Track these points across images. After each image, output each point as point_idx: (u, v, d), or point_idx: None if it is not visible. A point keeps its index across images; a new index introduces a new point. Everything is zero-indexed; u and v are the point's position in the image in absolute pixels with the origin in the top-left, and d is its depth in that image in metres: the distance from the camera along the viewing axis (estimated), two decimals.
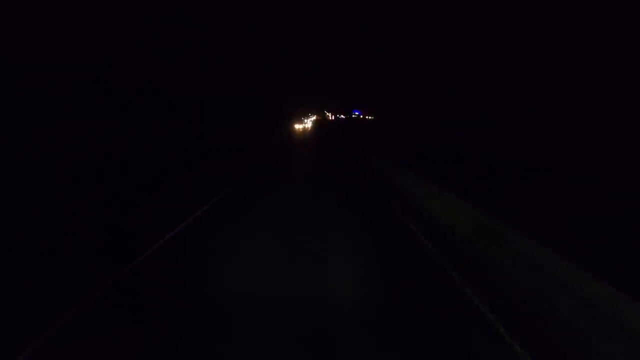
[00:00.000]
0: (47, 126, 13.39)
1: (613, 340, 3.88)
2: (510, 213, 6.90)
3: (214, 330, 4.10)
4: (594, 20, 14.43)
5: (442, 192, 9.80)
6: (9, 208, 8.11)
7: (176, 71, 24.85)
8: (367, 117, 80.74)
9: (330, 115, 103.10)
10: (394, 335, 4.14)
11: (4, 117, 12.65)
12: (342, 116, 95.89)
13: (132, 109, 19.15)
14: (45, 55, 14.44)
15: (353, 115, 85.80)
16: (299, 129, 55.01)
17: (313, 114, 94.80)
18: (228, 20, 34.30)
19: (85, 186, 10.86)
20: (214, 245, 6.75)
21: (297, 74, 72.36)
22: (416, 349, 3.93)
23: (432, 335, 4.18)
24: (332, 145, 32.11)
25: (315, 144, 32.70)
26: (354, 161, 20.87)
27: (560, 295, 4.75)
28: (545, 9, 16.78)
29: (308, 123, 74.04)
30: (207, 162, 17.00)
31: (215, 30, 31.29)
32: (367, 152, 22.74)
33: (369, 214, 9.53)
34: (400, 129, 39.63)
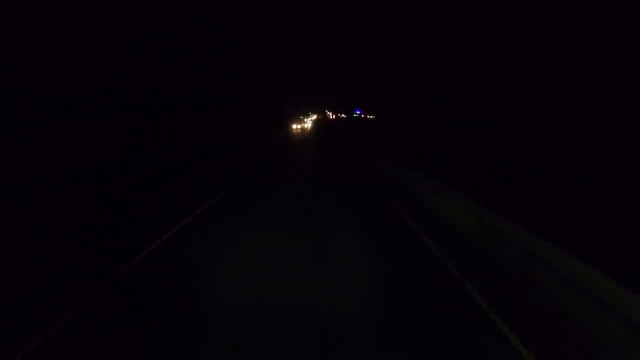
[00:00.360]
0: (45, 126, 13.39)
1: (613, 330, 3.91)
2: (511, 212, 6.90)
3: (214, 328, 4.11)
4: (594, 20, 14.43)
5: (444, 192, 9.81)
6: (9, 208, 8.12)
7: (175, 71, 24.83)
8: (368, 116, 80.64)
9: (331, 115, 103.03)
10: (394, 333, 4.13)
11: (5, 117, 12.67)
12: (343, 115, 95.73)
13: (131, 108, 19.15)
14: (44, 54, 14.44)
15: (354, 115, 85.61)
16: (296, 129, 50.02)
17: (314, 113, 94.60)
18: (228, 20, 34.29)
19: (85, 186, 10.88)
20: (213, 246, 6.75)
21: (298, 74, 72.20)
22: (420, 344, 3.94)
23: (434, 334, 4.18)
24: (333, 145, 31.99)
25: (315, 144, 32.18)
26: (354, 161, 20.83)
27: (564, 294, 4.76)
28: (545, 8, 16.77)
29: (308, 123, 69.25)
30: (206, 163, 16.99)
31: (215, 30, 31.29)
32: (367, 151, 22.73)
33: (370, 214, 9.51)
34: (401, 129, 39.61)
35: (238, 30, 37.66)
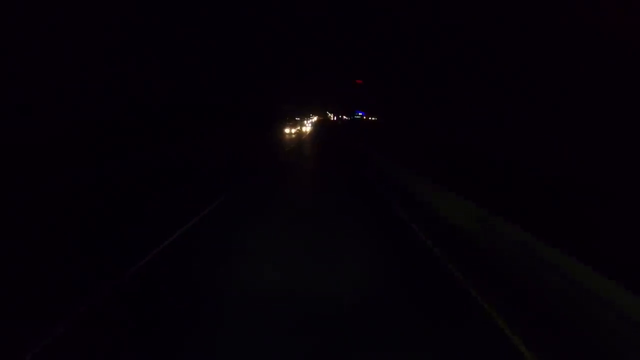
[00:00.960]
0: (45, 126, 13.39)
1: (613, 329, 3.88)
2: (511, 212, 6.86)
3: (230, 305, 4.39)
4: (594, 20, 14.41)
5: (444, 192, 9.75)
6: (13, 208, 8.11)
7: (176, 71, 24.84)
8: (370, 118, 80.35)
9: (332, 116, 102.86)
10: (393, 333, 4.12)
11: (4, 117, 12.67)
12: (344, 117, 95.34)
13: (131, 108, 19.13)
14: (44, 54, 14.44)
15: (356, 117, 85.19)
16: (290, 134, 39.01)
17: (314, 115, 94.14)
18: (228, 21, 34.34)
19: (84, 186, 10.86)
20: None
21: (298, 74, 71.94)
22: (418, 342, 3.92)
23: (434, 333, 4.15)
24: (335, 146, 31.78)
25: (316, 155, 25.35)
26: (356, 161, 20.78)
27: (564, 294, 4.73)
28: (545, 8, 16.76)
29: (307, 126, 59.25)
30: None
31: (215, 30, 31.32)
32: (369, 152, 22.63)
33: (371, 214, 9.48)
34: (402, 130, 39.46)
35: (238, 30, 37.72)
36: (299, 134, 42.82)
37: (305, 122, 61.37)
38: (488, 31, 20.73)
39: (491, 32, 20.46)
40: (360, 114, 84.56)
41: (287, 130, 39.53)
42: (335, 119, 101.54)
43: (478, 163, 17.14)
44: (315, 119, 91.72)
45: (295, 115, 54.40)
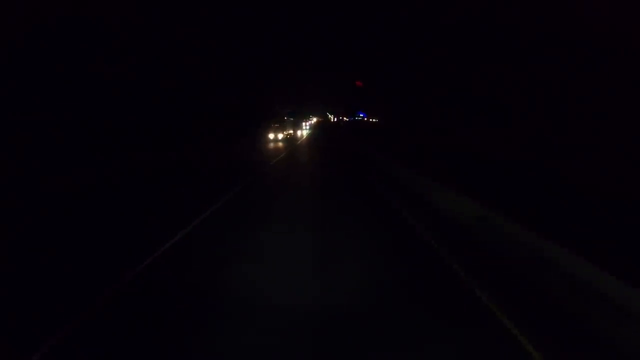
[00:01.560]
0: (45, 127, 13.36)
1: (617, 330, 3.86)
2: (512, 212, 6.84)
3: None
4: (594, 20, 14.41)
5: (444, 192, 9.73)
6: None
7: (176, 71, 24.81)
8: (371, 119, 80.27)
9: (332, 118, 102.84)
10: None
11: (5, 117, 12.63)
12: (345, 118, 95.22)
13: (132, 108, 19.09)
14: (44, 54, 14.41)
15: (357, 118, 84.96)
16: (275, 141, 29.42)
17: (314, 115, 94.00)
18: (228, 21, 34.33)
19: (84, 186, 10.84)
20: None
21: (299, 75, 71.96)
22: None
23: (439, 334, 4.13)
24: (337, 148, 31.71)
25: (313, 158, 21.21)
26: (356, 161, 20.75)
27: (567, 293, 4.71)
28: (545, 8, 16.77)
29: (305, 129, 51.09)
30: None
31: (215, 30, 31.30)
32: (370, 152, 22.61)
33: (371, 214, 9.46)
34: (403, 130, 39.38)
35: (238, 31, 37.71)
36: (292, 138, 34.35)
37: (303, 124, 53.82)
38: (487, 31, 20.74)
39: (491, 32, 20.46)
40: (361, 115, 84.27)
41: (271, 136, 29.67)
42: (335, 120, 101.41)
43: (478, 163, 17.12)
44: (314, 120, 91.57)
45: (285, 114, 44.21)
